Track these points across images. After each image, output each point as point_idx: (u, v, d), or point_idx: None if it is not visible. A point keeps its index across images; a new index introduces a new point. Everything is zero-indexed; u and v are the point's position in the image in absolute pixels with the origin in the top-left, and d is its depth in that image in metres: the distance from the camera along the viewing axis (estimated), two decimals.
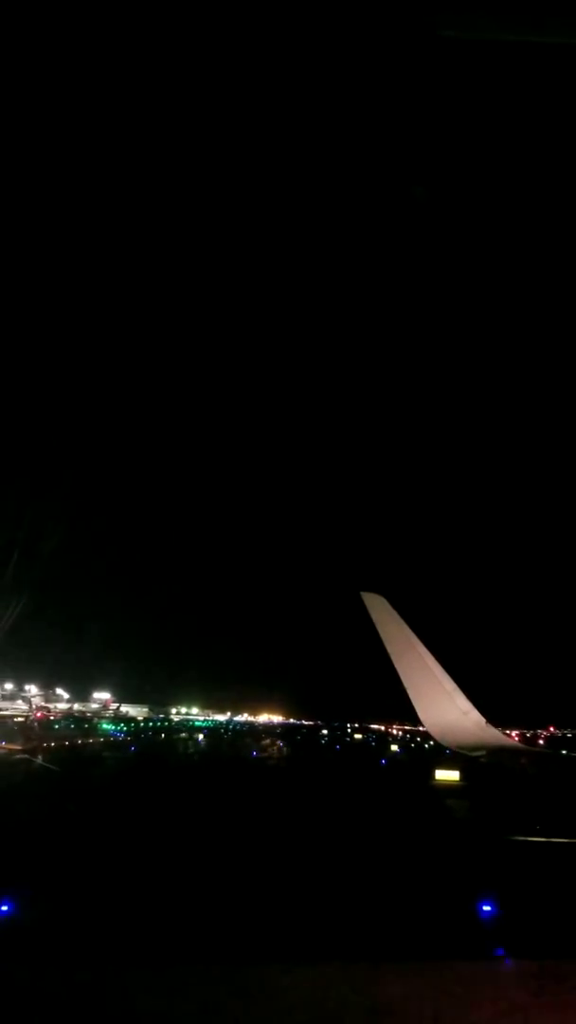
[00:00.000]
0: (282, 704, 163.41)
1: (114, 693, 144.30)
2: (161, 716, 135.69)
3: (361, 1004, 9.29)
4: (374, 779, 39.26)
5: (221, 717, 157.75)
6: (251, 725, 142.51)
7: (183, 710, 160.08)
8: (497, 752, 28.25)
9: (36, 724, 73.89)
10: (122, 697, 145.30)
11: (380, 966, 10.26)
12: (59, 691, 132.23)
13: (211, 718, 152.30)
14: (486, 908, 12.31)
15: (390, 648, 28.30)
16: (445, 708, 27.89)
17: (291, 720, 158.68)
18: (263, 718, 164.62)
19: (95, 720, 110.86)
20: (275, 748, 77.60)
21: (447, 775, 36.41)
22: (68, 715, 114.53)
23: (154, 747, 66.11)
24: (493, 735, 27.91)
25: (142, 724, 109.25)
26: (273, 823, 26.63)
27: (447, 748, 30.19)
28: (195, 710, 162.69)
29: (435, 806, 29.23)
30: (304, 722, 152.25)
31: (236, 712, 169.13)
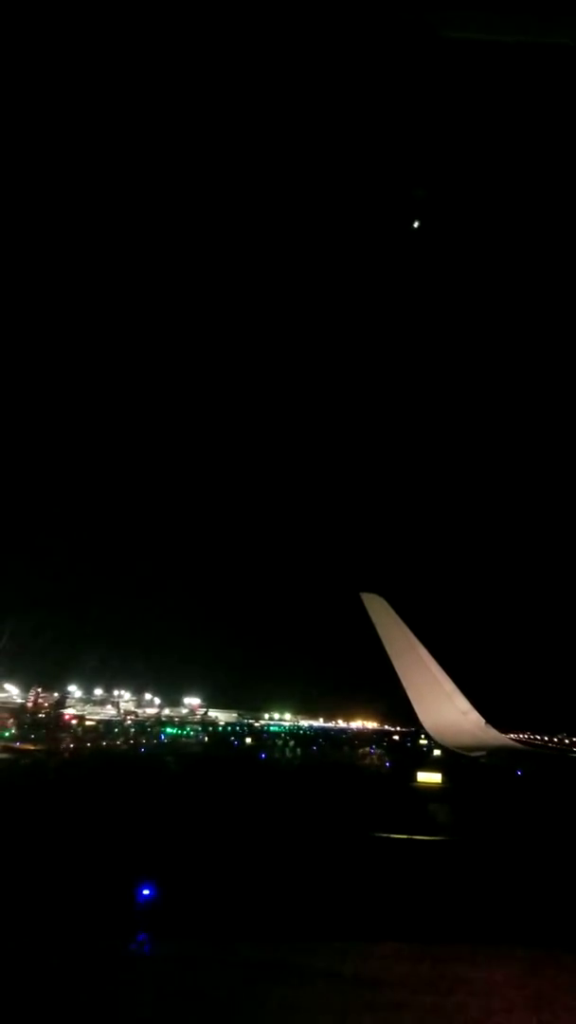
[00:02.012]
0: (379, 711, 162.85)
1: (210, 699, 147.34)
2: (247, 721, 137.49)
3: None
4: (349, 782, 38.71)
5: (309, 723, 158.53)
6: (325, 731, 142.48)
7: (275, 716, 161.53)
8: (497, 752, 28.06)
9: (60, 726, 76.37)
10: (218, 703, 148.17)
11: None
12: (148, 696, 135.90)
13: (296, 724, 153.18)
14: (145, 892, 12.63)
15: (389, 649, 28.52)
16: (444, 708, 27.92)
17: (385, 727, 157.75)
18: (356, 724, 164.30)
19: (177, 723, 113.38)
20: (292, 751, 77.55)
21: (429, 777, 35.93)
22: (156, 719, 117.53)
23: (170, 749, 66.79)
24: (493, 735, 27.76)
25: (214, 729, 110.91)
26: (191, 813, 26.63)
27: (445, 748, 30.13)
28: (287, 716, 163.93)
29: (369, 806, 28.66)
30: (397, 728, 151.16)
31: (329, 719, 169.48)
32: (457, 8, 11.94)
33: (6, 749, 47.79)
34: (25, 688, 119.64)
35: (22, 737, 60.51)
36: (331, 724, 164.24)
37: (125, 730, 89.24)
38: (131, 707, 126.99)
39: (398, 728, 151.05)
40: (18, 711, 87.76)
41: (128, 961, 10.78)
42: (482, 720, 27.73)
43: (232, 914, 13.51)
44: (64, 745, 56.56)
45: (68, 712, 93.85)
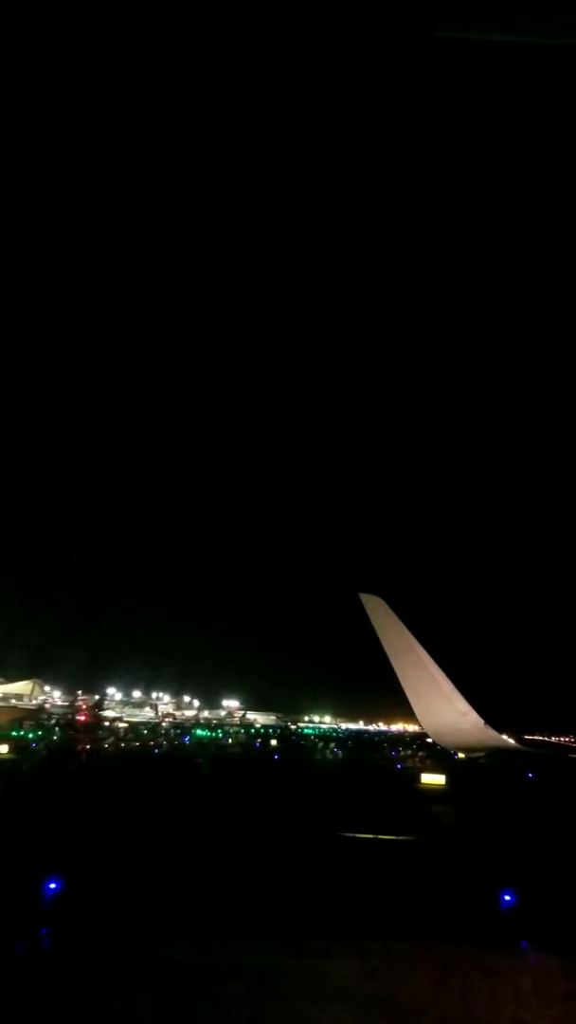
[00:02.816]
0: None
1: (251, 702, 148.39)
2: (282, 724, 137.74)
3: None
4: (348, 782, 38.27)
5: (348, 726, 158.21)
6: (360, 733, 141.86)
7: (315, 719, 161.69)
8: (496, 753, 27.95)
9: (78, 727, 77.52)
10: (258, 706, 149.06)
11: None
12: (187, 698, 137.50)
13: (335, 727, 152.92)
14: (51, 886, 12.64)
15: (388, 649, 28.56)
16: (443, 709, 27.88)
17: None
18: (396, 727, 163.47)
19: (215, 725, 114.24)
20: (311, 752, 77.33)
21: (433, 779, 35.55)
22: (195, 721, 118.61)
23: (185, 751, 66.70)
24: (492, 736, 27.63)
25: (247, 731, 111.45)
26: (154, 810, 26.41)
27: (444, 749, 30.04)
28: (327, 719, 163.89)
29: (354, 807, 28.24)
30: None
31: (370, 722, 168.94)
32: (452, 8, 12.09)
33: (18, 750, 48.78)
34: (68, 691, 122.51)
35: (45, 738, 61.92)
36: (371, 727, 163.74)
37: (154, 731, 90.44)
38: (170, 709, 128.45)
39: None
40: (36, 712, 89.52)
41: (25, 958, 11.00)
42: (481, 721, 27.61)
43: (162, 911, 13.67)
44: (81, 747, 57.55)
45: (88, 713, 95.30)
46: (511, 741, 27.97)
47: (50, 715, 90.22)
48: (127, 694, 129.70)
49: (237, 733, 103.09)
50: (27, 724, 69.29)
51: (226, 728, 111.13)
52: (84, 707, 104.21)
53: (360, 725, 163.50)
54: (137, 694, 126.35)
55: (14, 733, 61.08)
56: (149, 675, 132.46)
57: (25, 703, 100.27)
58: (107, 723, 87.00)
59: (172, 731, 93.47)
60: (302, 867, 17.30)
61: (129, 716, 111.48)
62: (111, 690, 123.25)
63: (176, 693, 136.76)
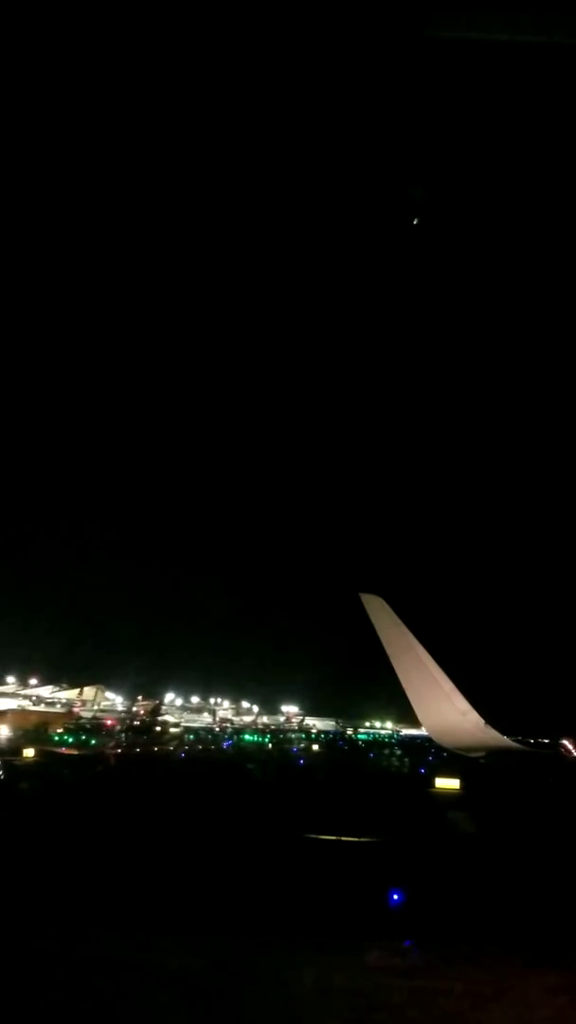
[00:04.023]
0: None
1: (312, 708, 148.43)
2: (340, 730, 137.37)
3: None
4: (356, 786, 37.69)
5: (408, 731, 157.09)
6: (413, 739, 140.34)
7: (376, 724, 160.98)
8: (496, 753, 27.83)
9: (117, 733, 78.48)
10: (320, 712, 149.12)
11: None
12: (245, 704, 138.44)
13: (395, 732, 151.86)
14: None
15: (389, 649, 28.74)
16: (444, 709, 27.92)
17: None
18: None
19: (272, 731, 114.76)
20: (339, 755, 76.90)
21: (447, 783, 34.88)
22: (252, 726, 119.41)
23: (209, 755, 66.86)
24: (492, 736, 27.56)
25: (296, 736, 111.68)
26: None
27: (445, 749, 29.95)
28: (389, 725, 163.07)
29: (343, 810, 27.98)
30: None
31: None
32: (443, 10, 12.49)
33: (43, 753, 49.98)
34: (129, 697, 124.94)
35: (84, 743, 63.39)
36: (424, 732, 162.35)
37: (201, 735, 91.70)
38: (228, 715, 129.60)
39: None
40: (64, 716, 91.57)
41: None
42: (481, 721, 27.59)
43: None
44: (111, 750, 58.78)
45: (113, 717, 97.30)
46: (512, 741, 27.79)
47: (79, 719, 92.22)
48: (187, 699, 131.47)
49: (284, 738, 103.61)
50: (53, 728, 70.97)
51: (278, 733, 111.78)
52: (143, 712, 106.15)
53: (421, 731, 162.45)
54: (196, 699, 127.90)
55: (56, 738, 62.85)
56: (209, 681, 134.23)
57: (56, 708, 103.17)
58: (157, 727, 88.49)
59: (222, 736, 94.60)
60: (242, 869, 17.58)
61: (187, 721, 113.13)
62: (170, 695, 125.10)
63: (235, 699, 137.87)
